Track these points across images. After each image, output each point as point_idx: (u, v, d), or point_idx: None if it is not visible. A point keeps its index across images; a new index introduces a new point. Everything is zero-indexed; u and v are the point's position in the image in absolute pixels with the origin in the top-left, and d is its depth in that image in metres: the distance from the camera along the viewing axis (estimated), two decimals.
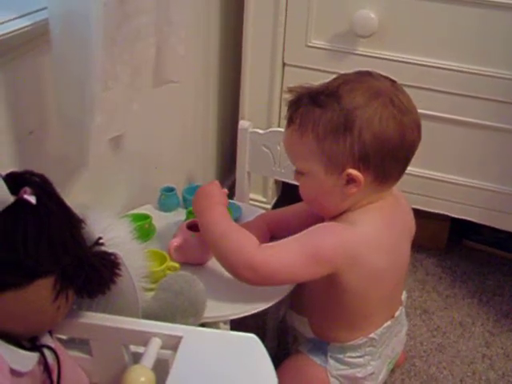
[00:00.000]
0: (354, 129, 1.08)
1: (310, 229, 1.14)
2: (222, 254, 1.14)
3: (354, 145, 1.09)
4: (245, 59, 1.72)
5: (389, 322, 1.24)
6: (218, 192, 1.23)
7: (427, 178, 1.71)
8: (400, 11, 1.55)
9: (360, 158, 1.10)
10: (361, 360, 1.22)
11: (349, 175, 1.11)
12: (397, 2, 1.55)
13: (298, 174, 1.18)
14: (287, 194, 1.84)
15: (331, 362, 1.22)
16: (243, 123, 1.58)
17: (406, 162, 1.15)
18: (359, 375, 1.23)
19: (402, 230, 1.22)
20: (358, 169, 1.10)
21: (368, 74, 1.15)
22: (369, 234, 1.13)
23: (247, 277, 1.11)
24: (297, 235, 1.14)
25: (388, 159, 1.11)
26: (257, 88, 1.74)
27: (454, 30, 1.54)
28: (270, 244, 1.17)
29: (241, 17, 1.68)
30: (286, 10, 1.63)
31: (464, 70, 1.56)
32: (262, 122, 1.74)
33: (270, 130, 1.58)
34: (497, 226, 1.72)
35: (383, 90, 1.11)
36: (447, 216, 1.79)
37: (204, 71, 1.74)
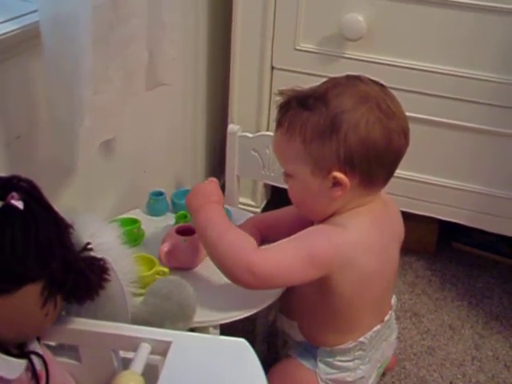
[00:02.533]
0: (341, 132, 1.08)
1: (302, 232, 1.14)
2: (220, 256, 1.12)
3: (340, 148, 1.09)
4: (233, 63, 1.71)
5: (378, 326, 1.24)
6: (216, 191, 1.21)
7: (416, 180, 1.71)
8: (389, 15, 1.56)
9: (345, 161, 1.10)
10: (350, 364, 1.22)
11: (334, 178, 1.11)
12: (385, 5, 1.55)
13: (287, 176, 1.18)
14: (276, 198, 1.84)
15: (321, 365, 1.22)
16: (232, 127, 1.58)
17: (393, 167, 1.15)
18: (349, 379, 1.23)
19: (390, 233, 1.22)
20: (344, 172, 1.10)
21: (357, 78, 1.15)
22: (359, 237, 1.13)
23: (245, 280, 1.09)
24: (289, 238, 1.13)
25: (374, 163, 1.11)
26: (245, 92, 1.74)
27: (443, 34, 1.54)
28: (267, 246, 1.16)
29: (229, 20, 1.67)
30: (275, 14, 1.63)
31: (453, 73, 1.56)
32: (251, 126, 1.73)
33: (259, 133, 1.58)
34: (485, 229, 1.73)
35: (371, 94, 1.11)
36: (436, 219, 1.80)
37: (193, 75, 1.74)
